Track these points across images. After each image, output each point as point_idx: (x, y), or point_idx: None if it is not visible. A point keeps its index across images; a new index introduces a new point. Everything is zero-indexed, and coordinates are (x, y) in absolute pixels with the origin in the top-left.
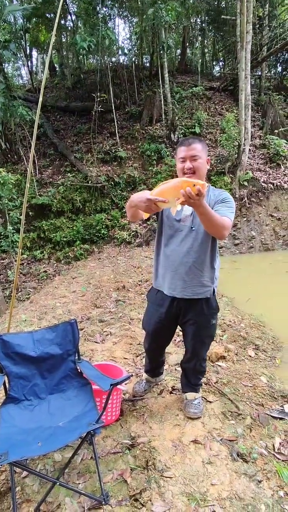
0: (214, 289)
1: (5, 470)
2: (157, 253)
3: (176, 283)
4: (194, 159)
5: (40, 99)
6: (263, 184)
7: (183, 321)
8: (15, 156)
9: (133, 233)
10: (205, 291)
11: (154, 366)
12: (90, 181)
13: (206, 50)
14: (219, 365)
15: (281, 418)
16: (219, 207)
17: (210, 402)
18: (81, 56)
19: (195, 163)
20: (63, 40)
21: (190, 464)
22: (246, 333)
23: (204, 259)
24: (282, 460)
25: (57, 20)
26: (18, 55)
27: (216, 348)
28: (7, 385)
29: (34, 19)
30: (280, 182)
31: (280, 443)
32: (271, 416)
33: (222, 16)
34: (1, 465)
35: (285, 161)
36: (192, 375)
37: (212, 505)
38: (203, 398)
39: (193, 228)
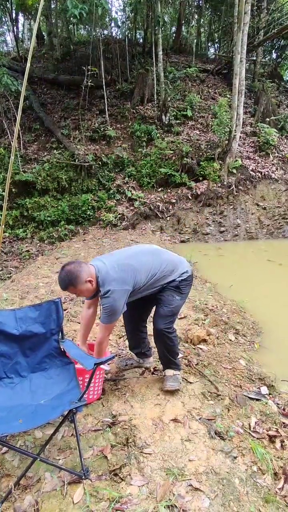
0: (174, 280)
1: None
2: None
3: None
4: (77, 295)
5: (27, 69)
6: (251, 172)
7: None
8: None
9: (119, 215)
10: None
11: (131, 341)
12: (77, 160)
13: (202, 30)
14: (200, 348)
15: (257, 399)
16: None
17: (191, 383)
18: (71, 25)
19: (79, 295)
20: (53, 6)
21: (169, 441)
22: (227, 318)
23: None
24: (257, 438)
25: None
26: (3, 19)
27: (198, 331)
28: None
29: None
30: (268, 171)
31: (255, 422)
32: (248, 397)
33: None
34: None
35: (274, 150)
36: (165, 352)
37: (189, 479)
38: (184, 379)
39: None
